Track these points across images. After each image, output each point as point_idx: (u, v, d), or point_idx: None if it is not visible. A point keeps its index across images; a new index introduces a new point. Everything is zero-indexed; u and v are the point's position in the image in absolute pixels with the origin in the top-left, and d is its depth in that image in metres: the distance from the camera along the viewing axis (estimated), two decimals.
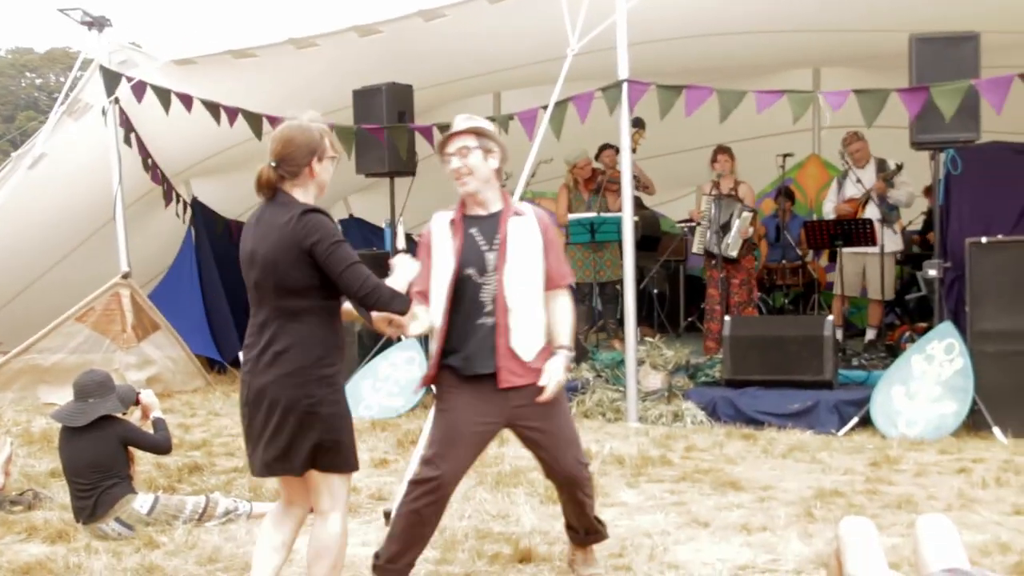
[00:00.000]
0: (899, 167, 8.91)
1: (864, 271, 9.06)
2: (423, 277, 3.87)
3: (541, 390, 3.88)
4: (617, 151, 9.56)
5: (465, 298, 3.88)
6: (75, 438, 5.16)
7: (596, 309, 10.24)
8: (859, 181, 8.97)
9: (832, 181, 9.61)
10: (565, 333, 4.05)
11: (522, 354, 3.90)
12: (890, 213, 8.96)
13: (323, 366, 3.43)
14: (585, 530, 4.30)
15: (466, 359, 3.89)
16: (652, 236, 10.54)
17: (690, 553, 4.60)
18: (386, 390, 8.60)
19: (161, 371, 10.10)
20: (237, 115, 8.99)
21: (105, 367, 9.35)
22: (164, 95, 9.21)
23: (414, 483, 3.91)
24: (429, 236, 3.99)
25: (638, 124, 9.40)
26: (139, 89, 9.45)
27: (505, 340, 3.87)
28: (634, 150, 9.57)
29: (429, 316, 3.87)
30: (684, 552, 4.62)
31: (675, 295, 11.16)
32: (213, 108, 9.06)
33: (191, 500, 5.33)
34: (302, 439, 3.44)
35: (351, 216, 13.34)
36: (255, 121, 8.97)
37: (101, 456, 5.13)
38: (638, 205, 10.45)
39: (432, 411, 4.05)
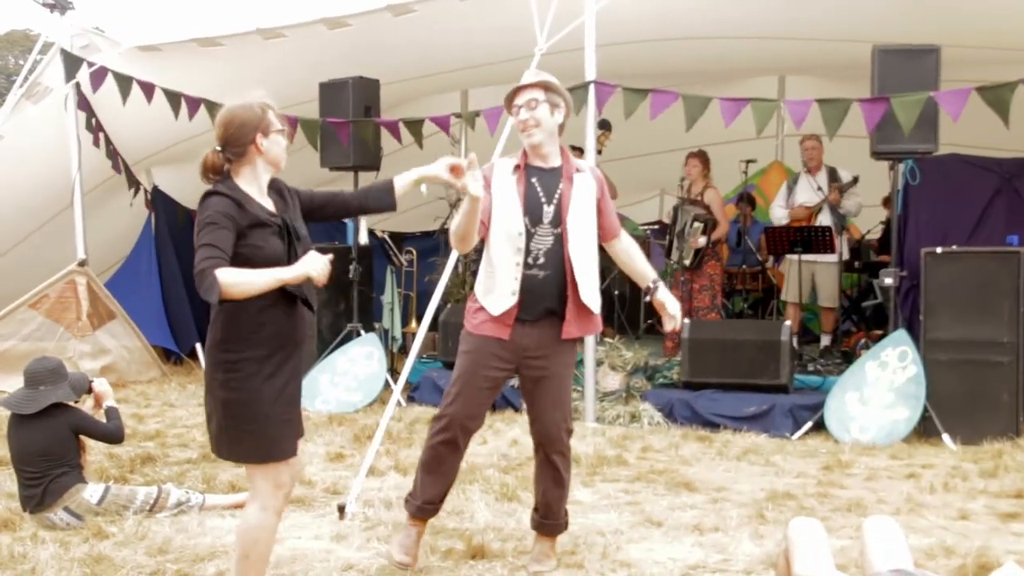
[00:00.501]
0: (855, 180, 9.02)
1: (813, 278, 9.12)
2: (485, 209, 4.02)
3: (562, 341, 4.14)
4: (582, 152, 9.59)
5: (505, 243, 4.07)
6: (24, 426, 5.08)
7: None
8: (820, 188, 9.05)
9: (783, 185, 9.67)
10: (648, 267, 4.31)
11: (592, 306, 4.13)
12: (841, 222, 9.06)
13: (223, 350, 3.38)
14: (545, 512, 4.37)
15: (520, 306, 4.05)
16: None
17: (642, 552, 4.62)
18: (344, 384, 8.58)
19: (116, 360, 9.99)
20: (199, 107, 8.91)
21: (58, 355, 9.23)
22: (125, 83, 9.10)
23: (433, 420, 4.22)
24: (491, 176, 4.10)
25: (604, 126, 9.43)
26: (99, 76, 9.34)
27: (576, 294, 4.06)
28: (600, 151, 9.61)
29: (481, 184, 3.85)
30: (636, 551, 4.64)
31: (636, 297, 11.20)
32: (175, 99, 8.97)
33: (143, 491, 5.27)
34: (211, 421, 3.48)
35: None
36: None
37: (51, 444, 5.06)
38: None
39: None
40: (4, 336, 9.42)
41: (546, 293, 4.06)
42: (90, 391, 5.45)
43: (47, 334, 9.59)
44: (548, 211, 4.07)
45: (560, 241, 4.06)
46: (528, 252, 4.04)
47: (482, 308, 4.12)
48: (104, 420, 5.34)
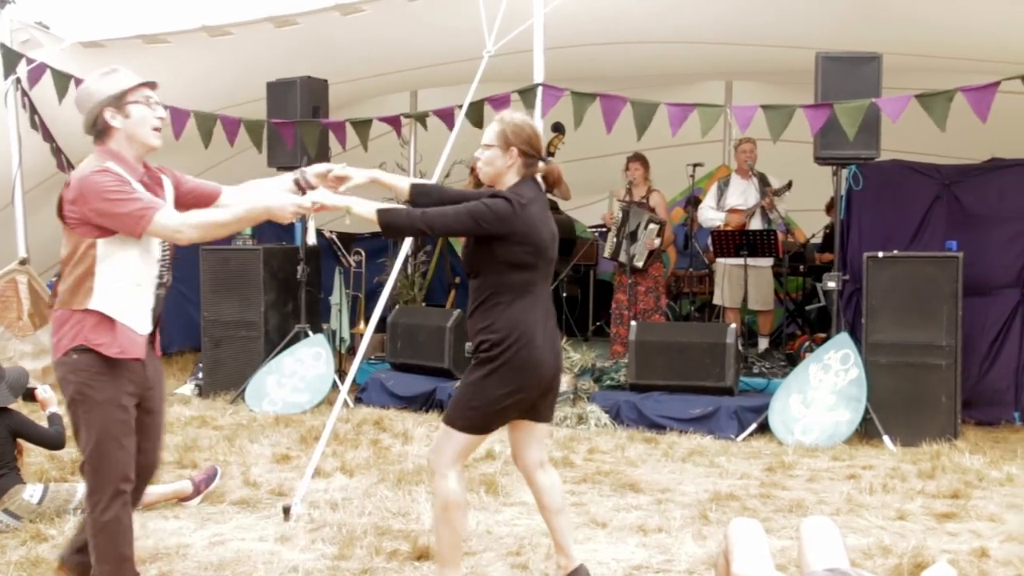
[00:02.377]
0: (789, 185, 9.15)
1: (745, 283, 9.18)
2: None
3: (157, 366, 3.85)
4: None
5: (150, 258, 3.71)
6: None
7: None
8: (766, 191, 9.13)
9: (714, 186, 9.78)
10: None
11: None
12: (769, 226, 9.16)
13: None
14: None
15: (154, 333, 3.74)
16: (567, 240, 10.63)
17: (586, 553, 4.65)
18: (291, 385, 8.52)
19: None
20: None
21: None
22: (63, 80, 8.92)
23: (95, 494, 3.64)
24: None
25: (558, 129, 9.49)
26: (37, 73, 9.17)
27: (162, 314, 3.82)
28: (552, 154, 9.67)
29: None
30: (581, 552, 4.64)
31: (585, 299, 11.27)
32: None
33: (81, 487, 5.21)
34: None
35: None
36: None
37: None
38: (553, 209, 10.55)
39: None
40: None
41: (156, 310, 3.73)
42: (32, 396, 5.39)
43: None
44: None
45: (167, 253, 3.77)
46: (155, 270, 3.71)
47: (120, 329, 3.58)
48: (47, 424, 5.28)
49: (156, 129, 3.68)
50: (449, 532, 3.87)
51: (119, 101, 3.63)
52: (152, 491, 5.34)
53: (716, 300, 9.51)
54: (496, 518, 5.24)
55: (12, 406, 5.19)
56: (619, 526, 5.09)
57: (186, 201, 3.86)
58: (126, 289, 3.59)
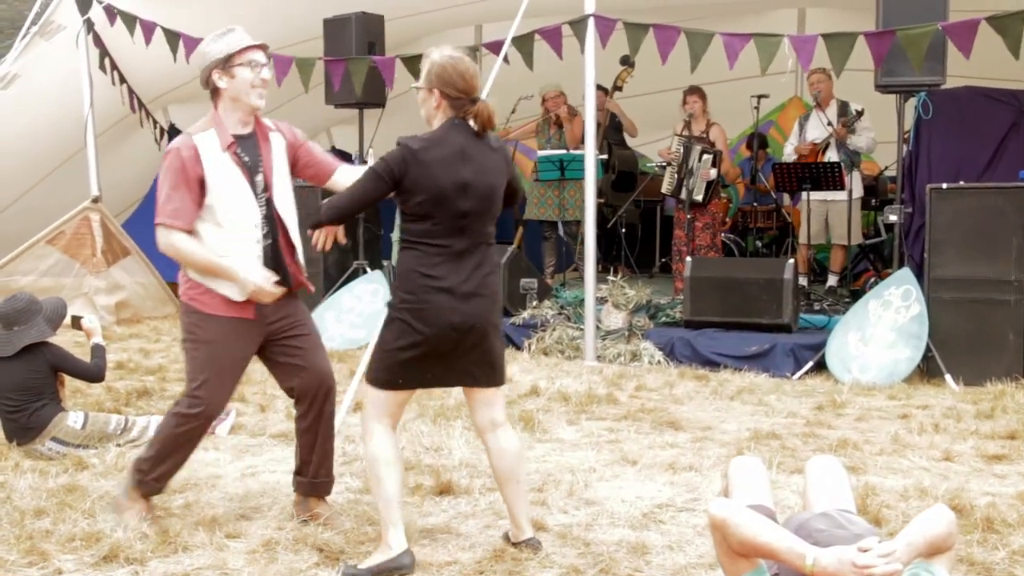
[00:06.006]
0: (860, 113, 8.73)
1: (827, 217, 8.91)
2: (187, 211, 3.88)
3: (295, 296, 4.15)
4: (606, 92, 9.44)
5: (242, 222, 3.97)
6: (3, 364, 5.15)
7: (561, 248, 10.20)
8: (829, 123, 8.79)
9: (796, 122, 9.44)
10: None
11: (302, 263, 4.17)
12: (850, 159, 8.80)
13: None
14: (316, 472, 4.22)
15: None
16: (628, 174, 10.44)
17: (611, 490, 4.59)
18: (349, 321, 8.61)
19: (131, 296, 10.11)
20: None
21: (76, 291, 9.44)
22: (130, 21, 9.05)
23: (183, 415, 4.01)
24: (195, 160, 3.85)
25: (625, 62, 9.27)
26: (111, 13, 9.31)
27: (292, 257, 4.08)
28: (620, 88, 9.48)
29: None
30: (605, 489, 4.62)
31: (649, 235, 11.09)
32: (173, 39, 8.88)
33: (114, 418, 5.40)
34: (502, 355, 3.81)
35: (333, 148, 13.22)
36: None
37: (29, 380, 5.14)
38: (619, 144, 10.36)
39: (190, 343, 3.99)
40: (24, 271, 9.52)
41: (273, 259, 4.02)
42: (78, 325, 5.54)
43: (64, 270, 9.70)
44: (258, 181, 3.97)
45: (269, 205, 4.00)
46: (253, 226, 3.96)
47: (216, 292, 3.95)
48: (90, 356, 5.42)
49: (256, 88, 3.89)
50: (377, 488, 3.73)
51: (226, 63, 3.87)
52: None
53: (802, 239, 9.21)
54: (528, 454, 5.21)
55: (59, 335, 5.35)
56: (649, 463, 5.00)
57: (304, 172, 4.18)
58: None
